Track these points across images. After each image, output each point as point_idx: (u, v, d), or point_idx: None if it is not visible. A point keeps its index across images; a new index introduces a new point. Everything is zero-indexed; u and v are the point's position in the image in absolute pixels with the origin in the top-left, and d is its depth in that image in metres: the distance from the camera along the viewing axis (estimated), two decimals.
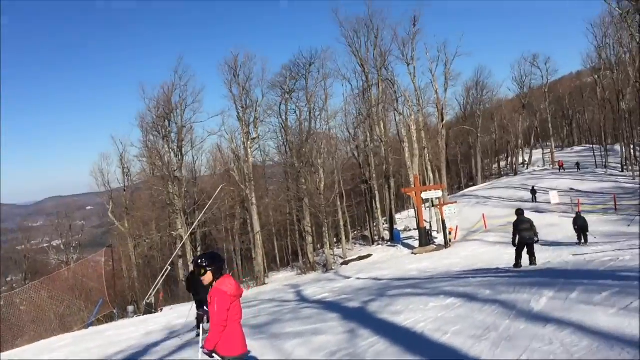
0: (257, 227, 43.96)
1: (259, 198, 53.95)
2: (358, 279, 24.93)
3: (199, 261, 5.35)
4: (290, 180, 48.66)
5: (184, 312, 26.24)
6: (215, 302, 5.03)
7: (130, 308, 38.02)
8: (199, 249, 51.45)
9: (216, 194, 45.96)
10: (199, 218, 45.07)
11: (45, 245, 65.20)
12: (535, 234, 15.75)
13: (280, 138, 50.27)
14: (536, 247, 22.58)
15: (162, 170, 46.24)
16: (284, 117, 48.05)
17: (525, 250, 15.60)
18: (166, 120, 46.23)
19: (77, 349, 22.32)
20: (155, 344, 13.61)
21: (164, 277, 41.56)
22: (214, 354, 5.09)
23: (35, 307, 40.90)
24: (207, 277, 5.32)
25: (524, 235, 15.41)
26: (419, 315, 9.30)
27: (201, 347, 5.25)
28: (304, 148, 44.92)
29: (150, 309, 36.16)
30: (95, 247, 68.57)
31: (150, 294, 38.32)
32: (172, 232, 46.50)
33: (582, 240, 23.55)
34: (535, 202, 41.94)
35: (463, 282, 13.10)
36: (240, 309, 5.34)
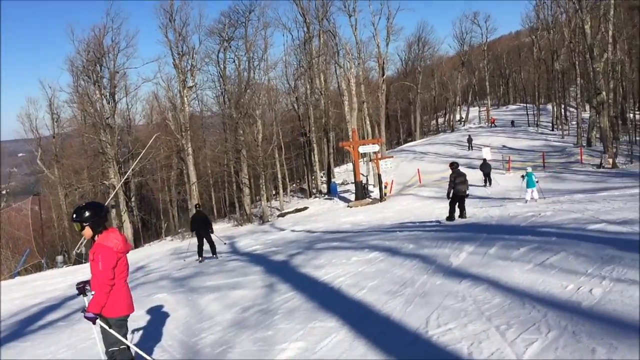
0: (193, 178, 42.97)
1: (197, 149, 52.69)
2: (292, 231, 24.82)
3: (74, 215, 4.67)
4: (228, 132, 47.54)
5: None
6: (100, 259, 4.41)
7: (60, 258, 36.97)
8: (132, 198, 50.15)
9: (150, 142, 44.56)
10: (132, 167, 43.81)
11: None
12: (467, 188, 15.82)
13: (219, 88, 48.76)
14: (466, 201, 23.19)
15: (93, 118, 44.22)
16: (222, 66, 46.43)
17: (457, 203, 15.66)
18: (97, 65, 43.86)
19: (12, 296, 21.55)
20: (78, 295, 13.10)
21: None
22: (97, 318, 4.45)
23: None
24: (87, 232, 4.66)
25: (459, 188, 15.34)
26: (340, 269, 9.13)
27: (83, 311, 4.57)
28: (242, 98, 43.76)
29: (80, 259, 35.22)
30: (26, 195, 65.84)
31: (81, 244, 37.16)
32: (105, 182, 44.91)
33: (487, 184, 29.88)
34: (471, 149, 43.03)
35: (390, 236, 13.06)
36: (127, 266, 4.78)
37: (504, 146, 46.56)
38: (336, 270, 9.12)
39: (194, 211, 42.12)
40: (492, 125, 66.60)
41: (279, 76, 51.74)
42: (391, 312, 5.92)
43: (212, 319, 7.11)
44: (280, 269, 10.62)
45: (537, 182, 19.64)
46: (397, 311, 5.90)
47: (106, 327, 4.38)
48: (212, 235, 16.79)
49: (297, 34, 49.30)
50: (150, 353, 5.98)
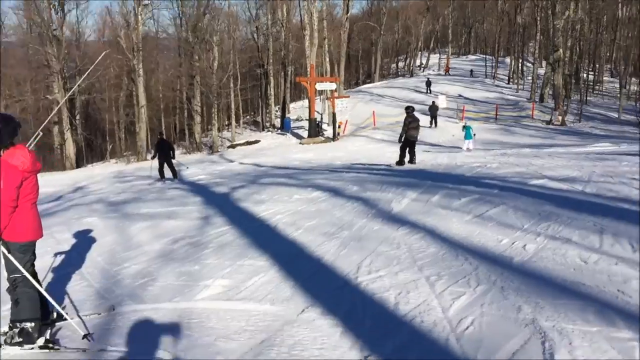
0: (142, 101, 41.56)
1: (149, 71, 50.86)
2: (241, 163, 24.51)
3: None
4: (183, 56, 45.93)
5: (51, 181, 24.92)
6: (2, 177, 3.87)
7: None
8: (77, 117, 48.40)
9: (99, 59, 42.74)
10: (78, 83, 41.87)
11: None
12: (418, 134, 15.68)
13: (176, 9, 46.73)
14: (416, 148, 23.25)
15: (40, 27, 41.83)
16: None
17: (408, 149, 15.53)
18: None
19: None
20: None
21: (34, 142, 38.95)
22: None
23: None
24: None
25: (411, 133, 15.14)
26: (280, 206, 8.92)
27: None
28: (200, 22, 42.12)
29: None
30: None
31: None
32: (48, 96, 42.99)
33: (433, 125, 32.11)
34: (429, 94, 43.12)
35: (337, 176, 12.89)
36: (37, 187, 4.32)
37: (460, 95, 46.69)
38: (276, 207, 8.90)
39: (139, 134, 41.46)
40: (447, 73, 66.60)
41: (241, 3, 50.01)
42: (324, 254, 5.75)
43: (139, 248, 6.81)
44: (220, 202, 10.34)
45: (474, 135, 21.46)
46: (330, 254, 5.74)
47: (6, 252, 3.97)
48: (173, 160, 18.34)
49: None
50: (67, 280, 5.68)
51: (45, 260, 6.49)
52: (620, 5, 51.68)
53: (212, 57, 39.97)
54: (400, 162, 15.27)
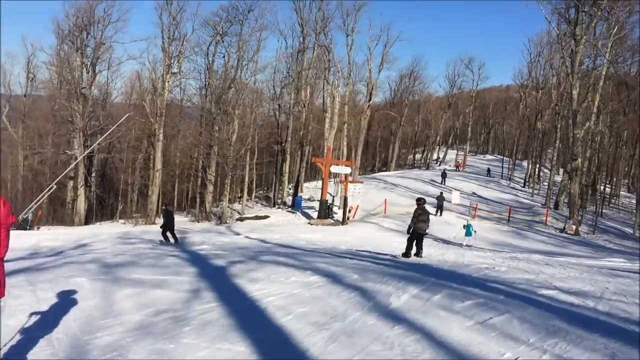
0: (158, 165, 41.95)
1: (170, 136, 51.70)
2: (247, 237, 24.26)
3: None
4: (204, 125, 46.66)
5: (59, 235, 24.75)
6: None
7: None
8: (93, 174, 48.82)
9: (121, 120, 43.68)
10: (98, 142, 42.74)
11: None
12: (428, 227, 15.35)
13: (203, 80, 48.00)
14: (425, 241, 22.81)
15: (70, 85, 43.05)
16: (210, 59, 45.75)
17: (415, 241, 15.16)
18: (84, 32, 42.87)
19: None
20: (24, 259, 13.47)
21: (46, 195, 39.15)
22: None
23: None
24: None
25: (420, 226, 14.85)
26: (274, 287, 8.51)
27: None
28: (224, 95, 43.08)
29: (25, 226, 33.97)
30: None
31: (28, 210, 36.02)
32: (67, 151, 43.58)
33: (439, 214, 34.12)
34: (443, 185, 42.87)
35: (339, 262, 12.50)
36: (6, 242, 4.02)
37: (473, 193, 46.63)
38: (271, 287, 8.50)
39: (151, 197, 41.47)
40: (457, 169, 66.89)
41: (266, 80, 51.27)
42: (310, 347, 5.32)
43: (118, 317, 6.41)
44: (215, 275, 9.96)
45: (474, 231, 22.76)
46: (316, 347, 5.31)
47: None
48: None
49: (291, 42, 49.02)
50: (33, 344, 5.29)
51: (19, 320, 6.14)
52: None
53: (232, 130, 40.49)
54: (407, 254, 14.87)
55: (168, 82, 42.57)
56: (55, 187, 41.14)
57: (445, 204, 35.99)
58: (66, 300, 7.25)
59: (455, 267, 12.12)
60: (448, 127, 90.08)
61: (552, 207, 40.80)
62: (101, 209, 53.51)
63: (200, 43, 45.64)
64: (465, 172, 66.17)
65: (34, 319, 6.25)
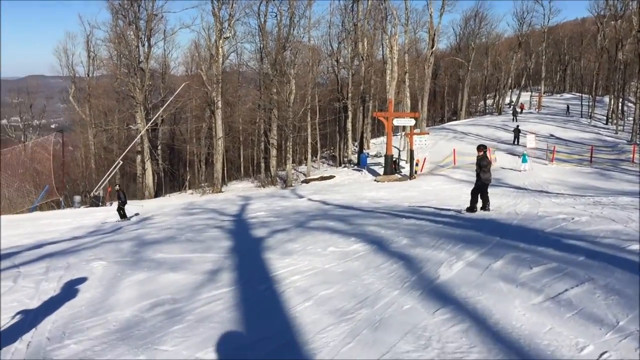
0: (219, 133, 41.45)
1: (231, 104, 51.18)
2: (309, 200, 23.37)
3: None
4: (263, 89, 45.68)
5: (129, 209, 24.95)
6: None
7: (77, 198, 36.56)
8: (159, 147, 49.23)
9: (178, 91, 43.47)
10: (158, 114, 42.72)
11: (4, 122, 62.02)
12: (491, 176, 13.68)
13: (258, 42, 46.76)
14: (498, 190, 21.03)
15: (127, 59, 43.08)
16: (262, 20, 44.32)
17: (480, 193, 13.55)
18: (135, 4, 42.44)
19: (4, 233, 20.93)
20: (71, 240, 13.15)
21: (114, 171, 39.67)
22: None
23: None
24: None
25: (487, 176, 13.23)
26: (305, 262, 7.33)
27: None
28: (279, 55, 41.77)
29: (97, 202, 34.64)
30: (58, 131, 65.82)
31: (98, 187, 36.66)
32: (131, 126, 43.91)
33: (516, 143, 38.49)
34: (517, 144, 39.39)
35: (393, 223, 11.18)
36: None
37: (551, 135, 43.49)
38: (301, 262, 7.32)
39: (216, 165, 41.26)
40: (521, 111, 62.33)
41: (321, 36, 49.45)
42: (320, 349, 4.08)
43: (107, 314, 5.40)
44: (246, 250, 8.91)
45: (529, 158, 28.71)
46: (327, 350, 4.06)
47: None
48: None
49: None
50: None
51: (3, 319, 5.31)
52: None
53: (289, 90, 39.30)
54: (472, 208, 13.29)
55: (222, 47, 41.63)
56: (121, 162, 41.67)
57: (520, 149, 33.61)
58: (65, 293, 6.38)
59: (526, 221, 10.49)
60: (520, 68, 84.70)
61: (639, 142, 37.34)
62: (171, 181, 54.23)
63: (251, 3, 44.34)
64: (542, 114, 62.18)
65: (16, 320, 5.38)
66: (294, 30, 42.66)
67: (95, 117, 50.28)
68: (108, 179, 38.83)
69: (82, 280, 7.06)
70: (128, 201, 23.30)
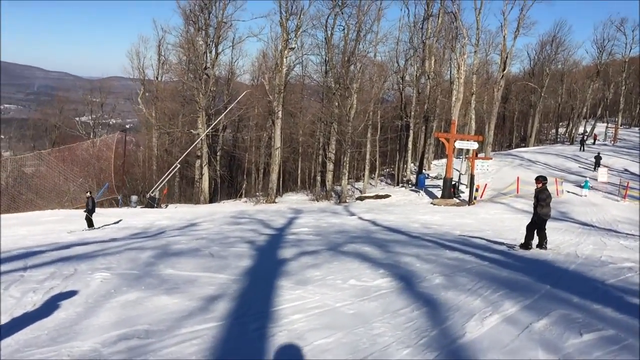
0: (277, 143, 41.09)
1: (293, 114, 50.85)
2: (359, 218, 22.49)
3: None
4: (325, 102, 45.11)
5: (177, 214, 24.83)
6: None
7: (134, 198, 37.12)
8: (218, 153, 49.49)
9: (239, 98, 43.52)
10: (218, 120, 42.84)
11: (75, 118, 64.00)
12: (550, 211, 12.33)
13: (323, 55, 46.23)
14: (562, 225, 19.43)
15: (194, 65, 43.58)
16: (329, 32, 43.79)
17: (537, 229, 12.25)
18: (206, 11, 42.88)
19: (55, 227, 21.22)
20: (105, 242, 13.20)
21: (171, 174, 39.96)
22: None
23: (42, 177, 40.38)
24: None
25: (545, 211, 11.92)
26: (317, 296, 6.41)
27: None
28: (344, 69, 41.11)
29: (152, 203, 34.93)
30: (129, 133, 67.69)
31: (155, 189, 37.00)
32: (192, 130, 44.21)
33: (595, 168, 37.75)
34: (596, 171, 37.35)
35: (433, 255, 10.12)
36: None
37: (625, 170, 40.77)
38: (312, 296, 6.42)
39: (272, 175, 40.86)
40: (595, 141, 59.16)
41: (388, 52, 48.51)
42: None
43: (61, 345, 4.61)
44: (261, 273, 8.07)
45: (590, 187, 29.22)
46: None
47: None
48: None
49: (414, 10, 45.63)
50: None
51: None
52: None
53: (350, 105, 38.53)
54: (526, 245, 12.00)
55: (286, 57, 41.41)
56: (179, 166, 41.98)
57: (591, 182, 31.52)
58: (42, 310, 5.73)
59: (585, 267, 9.18)
60: (597, 98, 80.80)
61: None
62: (228, 187, 54.36)
63: (319, 15, 43.84)
64: (617, 146, 58.80)
65: None
66: (359, 44, 41.94)
67: (160, 120, 51.03)
68: (165, 181, 39.15)
69: (71, 294, 6.41)
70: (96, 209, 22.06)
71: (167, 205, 38.15)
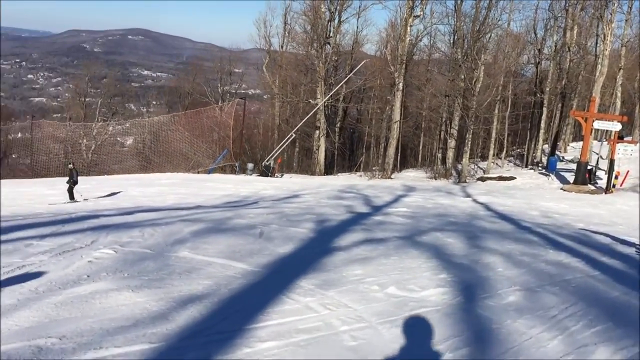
0: (396, 116, 39.01)
1: (419, 87, 48.33)
2: (474, 200, 20.44)
3: None
4: (450, 75, 42.09)
5: (284, 184, 24.26)
6: None
7: (250, 165, 37.49)
8: (337, 124, 48.43)
9: (357, 68, 41.83)
10: (335, 89, 41.57)
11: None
12: None
13: (452, 24, 42.93)
14: None
15: (316, 33, 42.63)
16: (458, 0, 40.42)
17: None
18: None
19: (169, 190, 21.51)
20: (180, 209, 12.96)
21: (286, 143, 39.51)
22: None
23: (168, 142, 41.89)
24: None
25: None
26: (325, 311, 4.69)
27: None
28: (474, 39, 37.86)
29: (266, 172, 34.97)
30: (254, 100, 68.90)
31: (270, 157, 36.91)
32: (310, 100, 43.40)
33: None
34: None
35: (529, 256, 7.97)
36: None
37: None
38: (318, 309, 4.70)
39: (389, 149, 39.00)
40: None
41: (521, 20, 44.16)
42: None
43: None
44: (286, 266, 6.50)
45: None
46: None
47: None
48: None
49: None
50: None
51: None
52: None
53: (475, 77, 35.44)
54: None
55: (411, 26, 38.97)
56: (294, 135, 41.48)
57: None
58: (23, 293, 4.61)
59: None
60: None
61: None
62: (348, 160, 53.36)
63: None
64: None
65: None
66: (491, 12, 38.36)
67: (283, 89, 50.81)
68: (280, 150, 38.84)
69: (34, 276, 5.28)
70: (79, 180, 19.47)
71: (282, 175, 37.90)
